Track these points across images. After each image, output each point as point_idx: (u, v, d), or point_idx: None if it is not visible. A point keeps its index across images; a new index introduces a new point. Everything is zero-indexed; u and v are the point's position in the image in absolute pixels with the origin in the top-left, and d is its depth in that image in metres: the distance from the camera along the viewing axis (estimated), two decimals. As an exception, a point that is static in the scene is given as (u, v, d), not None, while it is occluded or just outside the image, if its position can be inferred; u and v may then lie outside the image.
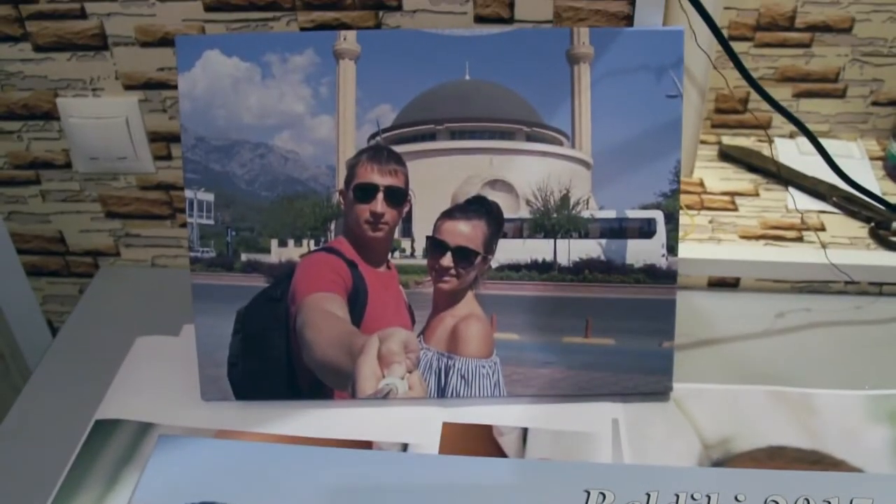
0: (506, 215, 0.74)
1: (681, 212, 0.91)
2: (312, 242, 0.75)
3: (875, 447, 0.74)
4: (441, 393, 0.75)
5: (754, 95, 0.99)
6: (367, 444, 0.73)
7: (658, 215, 0.74)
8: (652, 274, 0.75)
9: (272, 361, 0.75)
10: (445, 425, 0.75)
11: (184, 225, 0.92)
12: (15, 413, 0.80)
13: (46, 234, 0.96)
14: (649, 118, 0.73)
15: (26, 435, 0.77)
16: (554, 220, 0.75)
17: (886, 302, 0.90)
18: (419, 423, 0.75)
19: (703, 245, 0.90)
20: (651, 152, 0.73)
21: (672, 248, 0.75)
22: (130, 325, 0.87)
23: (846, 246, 0.90)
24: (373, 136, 0.74)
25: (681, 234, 0.89)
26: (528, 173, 0.74)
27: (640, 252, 0.74)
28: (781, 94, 1.03)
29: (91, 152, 0.87)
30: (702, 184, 0.99)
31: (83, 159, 0.88)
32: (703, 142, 1.04)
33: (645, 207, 0.74)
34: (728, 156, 1.03)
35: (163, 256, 0.96)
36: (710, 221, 0.93)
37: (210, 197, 0.76)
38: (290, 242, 0.76)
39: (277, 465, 0.70)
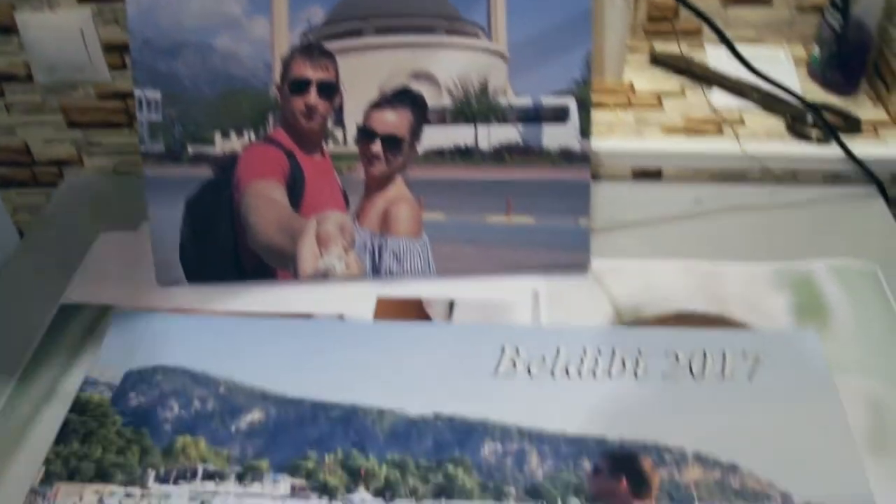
0: (430, 104, 0.80)
1: (608, 111, 0.98)
2: (253, 134, 0.81)
3: (776, 312, 0.81)
4: (375, 271, 0.82)
5: (684, 3, 1.04)
6: (307, 317, 0.80)
7: (571, 101, 0.80)
8: (567, 156, 0.81)
9: (219, 246, 0.82)
10: (379, 299, 0.81)
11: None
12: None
13: (13, 146, 1.01)
14: (561, 12, 0.79)
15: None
16: (474, 107, 0.81)
17: (799, 189, 0.96)
18: (355, 298, 0.81)
19: (627, 139, 0.96)
20: (563, 44, 0.79)
21: (585, 132, 0.81)
22: (94, 225, 0.93)
23: (763, 138, 0.96)
24: (304, 35, 0.80)
25: (606, 130, 0.95)
26: (449, 65, 0.80)
27: (555, 136, 0.80)
28: (711, 2, 1.08)
29: (50, 63, 0.93)
30: (631, 86, 1.05)
31: (43, 71, 0.94)
32: (636, 49, 1.09)
33: (558, 94, 0.80)
34: (659, 61, 1.09)
35: (123, 163, 1.02)
36: (636, 119, 0.99)
37: (157, 95, 0.82)
38: (233, 135, 0.82)
39: (225, 334, 0.77)
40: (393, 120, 0.80)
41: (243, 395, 0.71)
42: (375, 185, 0.81)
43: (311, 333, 0.77)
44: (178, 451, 0.67)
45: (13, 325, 0.82)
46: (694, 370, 0.73)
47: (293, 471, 0.65)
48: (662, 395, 0.71)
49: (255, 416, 0.69)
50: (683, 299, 0.82)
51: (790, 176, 0.97)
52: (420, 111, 0.80)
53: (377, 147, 0.80)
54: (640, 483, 0.65)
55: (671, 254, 0.87)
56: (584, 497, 0.64)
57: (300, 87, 0.79)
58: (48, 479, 0.66)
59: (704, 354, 0.74)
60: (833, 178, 0.97)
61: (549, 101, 0.80)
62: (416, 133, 0.80)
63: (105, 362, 0.75)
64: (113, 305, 0.82)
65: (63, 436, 0.69)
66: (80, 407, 0.72)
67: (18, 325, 0.82)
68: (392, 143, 0.80)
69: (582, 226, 0.83)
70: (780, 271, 0.85)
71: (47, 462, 0.67)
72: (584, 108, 0.80)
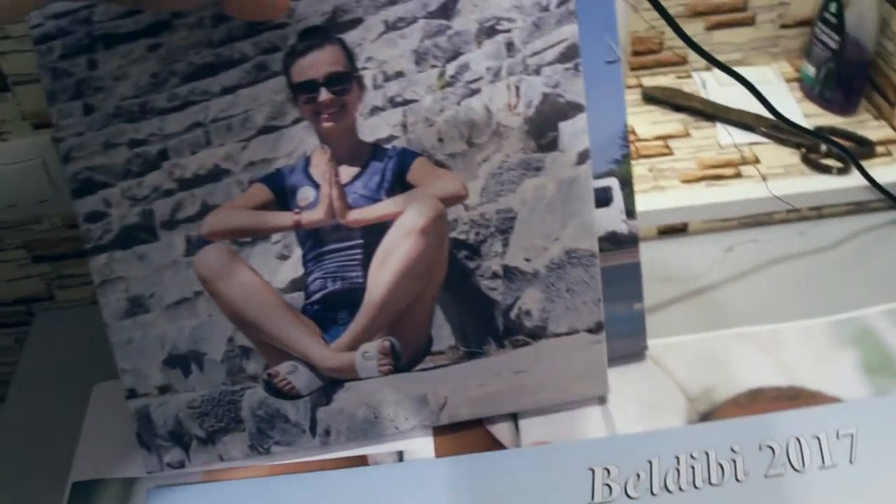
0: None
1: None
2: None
3: (845, 373, 0.77)
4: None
5: (668, 34, 0.99)
6: (362, 460, 0.72)
7: (613, 182, 0.74)
8: (615, 240, 0.75)
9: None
10: (435, 427, 0.74)
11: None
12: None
13: (-29, 291, 0.90)
14: (591, 87, 0.72)
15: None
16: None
17: (827, 224, 0.92)
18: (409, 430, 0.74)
19: (648, 195, 0.90)
20: (598, 120, 0.72)
21: (630, 212, 0.75)
22: (82, 370, 0.82)
23: (782, 175, 0.92)
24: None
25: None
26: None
27: (600, 221, 0.74)
28: (695, 28, 1.04)
29: (8, 200, 0.81)
30: (633, 132, 0.99)
31: (1, 210, 0.82)
32: (625, 87, 1.04)
33: (599, 177, 0.73)
34: (652, 98, 1.04)
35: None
36: (650, 170, 0.94)
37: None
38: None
39: (279, 498, 0.69)
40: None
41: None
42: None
43: (372, 483, 0.69)
44: None
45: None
46: (793, 462, 0.68)
47: None
48: (772, 499, 0.66)
49: None
50: (750, 374, 0.77)
51: (815, 212, 0.93)
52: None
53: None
54: None
55: (717, 318, 0.82)
56: None
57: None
58: None
59: (799, 441, 0.70)
60: (857, 207, 0.94)
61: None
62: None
63: (148, 555, 0.66)
64: (137, 478, 0.72)
65: None
66: None
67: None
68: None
69: (637, 310, 0.77)
70: (835, 325, 0.81)
71: None
72: (627, 186, 0.74)
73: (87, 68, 0.64)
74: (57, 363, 0.86)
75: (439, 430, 0.74)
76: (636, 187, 0.89)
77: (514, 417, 0.74)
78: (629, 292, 0.76)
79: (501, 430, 0.74)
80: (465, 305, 0.71)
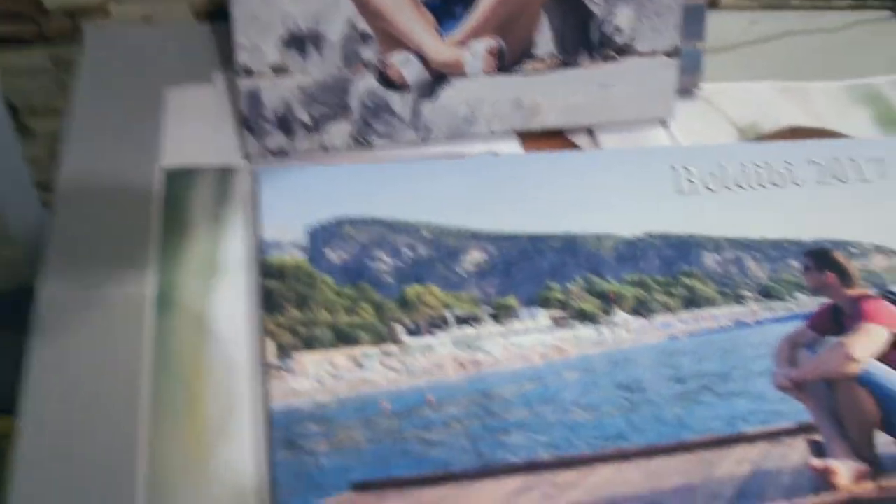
0: None
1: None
2: None
3: (862, 123, 0.89)
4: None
5: None
6: (460, 157, 0.77)
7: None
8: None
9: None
10: (523, 134, 0.79)
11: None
12: (66, 173, 0.74)
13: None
14: None
15: (86, 194, 0.73)
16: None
17: (833, 14, 1.03)
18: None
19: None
20: None
21: (704, -46, 0.81)
22: (156, 79, 0.82)
23: (798, -37, 1.01)
24: None
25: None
26: None
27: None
28: None
29: None
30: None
31: None
32: None
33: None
34: None
35: (159, 12, 0.90)
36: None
37: None
38: None
39: (391, 180, 0.71)
40: None
41: (451, 236, 0.68)
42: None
43: (478, 169, 0.74)
44: (415, 301, 0.64)
45: (118, 195, 0.72)
46: (838, 175, 0.78)
47: (544, 303, 0.64)
48: (824, 199, 0.76)
49: (475, 256, 0.67)
50: (788, 117, 0.87)
51: (824, 2, 1.03)
52: None
53: None
54: (843, 274, 0.69)
55: (751, 72, 0.91)
56: (806, 292, 0.68)
57: None
58: (284, 350, 0.61)
59: (839, 161, 0.80)
60: (859, 3, 1.04)
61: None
62: None
63: (273, 223, 0.68)
64: (234, 168, 0.74)
65: (273, 305, 0.63)
66: (276, 272, 0.65)
67: (125, 196, 0.72)
68: None
69: (698, 49, 0.84)
70: (851, 88, 0.92)
71: (271, 334, 0.61)
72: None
73: None
74: (119, 78, 0.83)
75: (527, 137, 0.79)
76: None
77: (590, 133, 0.81)
78: (694, 31, 0.83)
79: (582, 141, 0.80)
80: (568, 14, 0.76)
